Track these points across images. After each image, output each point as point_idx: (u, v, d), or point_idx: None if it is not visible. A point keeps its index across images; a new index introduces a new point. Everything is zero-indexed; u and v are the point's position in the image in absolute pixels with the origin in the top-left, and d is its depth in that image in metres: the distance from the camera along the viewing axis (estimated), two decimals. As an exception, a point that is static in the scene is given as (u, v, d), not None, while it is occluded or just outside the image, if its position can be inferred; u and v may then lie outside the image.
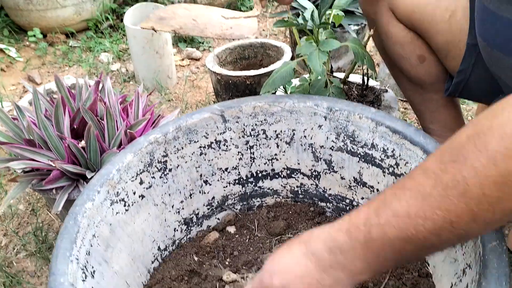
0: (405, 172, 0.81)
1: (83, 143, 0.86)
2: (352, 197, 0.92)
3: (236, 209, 0.98)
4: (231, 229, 0.97)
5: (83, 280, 0.65)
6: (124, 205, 0.79)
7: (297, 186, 0.97)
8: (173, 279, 0.84)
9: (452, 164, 0.46)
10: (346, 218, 0.54)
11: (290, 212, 0.98)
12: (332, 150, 0.90)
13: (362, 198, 0.91)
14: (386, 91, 1.19)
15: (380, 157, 0.84)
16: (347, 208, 0.93)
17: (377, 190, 0.87)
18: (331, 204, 0.95)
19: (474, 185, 0.44)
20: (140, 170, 0.82)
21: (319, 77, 0.99)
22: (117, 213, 0.77)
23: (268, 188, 0.98)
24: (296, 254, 0.56)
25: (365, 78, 1.13)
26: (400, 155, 0.81)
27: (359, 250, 0.51)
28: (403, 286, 0.78)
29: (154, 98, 1.63)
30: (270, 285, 0.56)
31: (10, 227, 1.12)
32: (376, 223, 0.50)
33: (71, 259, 0.64)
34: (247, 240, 0.94)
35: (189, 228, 0.94)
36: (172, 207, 0.89)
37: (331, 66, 1.16)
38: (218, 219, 0.97)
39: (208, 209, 0.95)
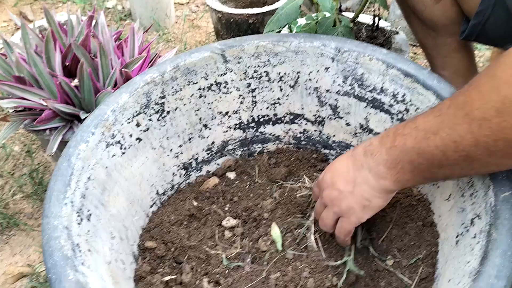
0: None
1: (76, 81, 0.82)
2: (357, 144, 0.89)
3: (237, 154, 0.95)
4: (231, 175, 0.94)
5: (79, 224, 0.63)
6: (121, 148, 0.76)
7: (300, 132, 0.94)
8: (172, 224, 0.83)
9: (467, 87, 0.49)
10: (389, 128, 0.62)
11: (292, 159, 0.95)
12: (339, 94, 0.85)
13: (368, 145, 0.87)
14: (397, 33, 1.13)
15: (389, 102, 0.80)
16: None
17: (384, 137, 0.84)
18: (334, 152, 0.92)
19: (477, 108, 0.46)
20: (136, 111, 0.78)
21: (327, 15, 0.92)
22: (113, 155, 0.74)
23: (270, 134, 0.95)
24: (344, 156, 0.66)
25: (376, 19, 1.07)
26: (411, 100, 0.76)
27: (384, 155, 0.58)
28: (406, 235, 0.76)
29: (151, 38, 1.56)
30: (324, 179, 0.68)
31: (6, 168, 1.09)
32: (401, 133, 0.56)
33: (65, 202, 0.62)
34: (247, 186, 0.92)
35: (188, 173, 0.91)
36: (171, 151, 0.86)
37: (340, 4, 1.09)
38: (218, 164, 0.95)
39: (208, 154, 0.92)
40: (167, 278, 0.76)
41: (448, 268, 0.66)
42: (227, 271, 0.76)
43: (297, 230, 0.80)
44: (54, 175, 0.65)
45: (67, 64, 0.86)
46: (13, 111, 0.86)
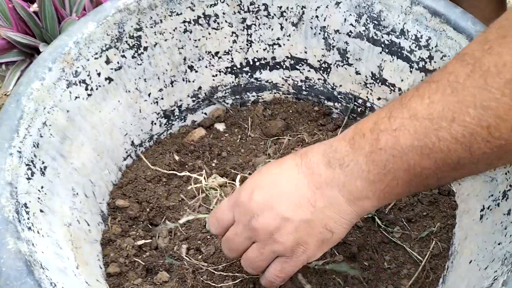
0: (439, 68, 0.65)
1: (35, 6, 0.67)
2: (367, 96, 0.77)
3: (227, 103, 0.83)
4: (220, 127, 0.82)
5: (29, 178, 0.52)
6: (86, 89, 0.63)
7: (301, 80, 0.81)
8: (149, 180, 0.72)
9: (501, 40, 0.33)
10: (353, 125, 0.43)
11: (291, 111, 0.83)
12: (349, 36, 0.72)
13: (379, 99, 0.75)
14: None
15: (410, 47, 0.67)
16: (359, 109, 0.78)
17: (399, 89, 0.72)
18: (339, 104, 0.80)
19: None
20: (106, 45, 0.64)
21: None
22: (76, 97, 0.62)
23: (267, 81, 0.82)
24: (287, 166, 0.45)
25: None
26: (436, 46, 0.64)
27: (361, 164, 0.40)
28: (418, 204, 0.66)
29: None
30: (248, 201, 0.45)
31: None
32: (387, 128, 0.38)
33: (11, 152, 0.50)
34: (238, 140, 0.81)
35: (170, 122, 0.79)
36: (149, 95, 0.74)
37: None
38: (205, 114, 0.82)
39: (194, 101, 0.80)
40: (140, 242, 0.66)
41: (468, 246, 0.57)
42: (209, 237, 0.66)
43: None
44: (-1, 118, 0.53)
45: (24, -15, 0.71)
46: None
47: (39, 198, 0.52)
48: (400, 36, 0.67)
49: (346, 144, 0.41)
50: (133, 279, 0.61)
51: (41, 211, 0.52)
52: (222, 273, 0.60)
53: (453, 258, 0.59)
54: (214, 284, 0.59)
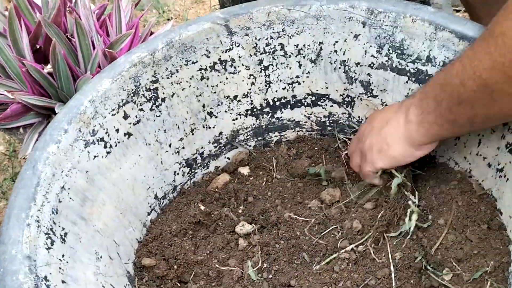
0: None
1: (49, 67, 0.67)
2: (396, 128, 0.72)
3: (250, 146, 0.80)
4: (244, 170, 0.79)
5: (48, 248, 0.49)
6: (105, 147, 0.61)
7: (324, 116, 0.78)
8: (175, 234, 0.69)
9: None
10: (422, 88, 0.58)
11: (316, 148, 0.80)
12: (372, 68, 0.69)
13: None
14: (435, -7, 0.95)
15: (438, 74, 0.63)
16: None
17: (431, 118, 0.67)
18: (367, 138, 0.76)
19: (499, 23, 0.43)
20: (122, 100, 0.63)
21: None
22: (95, 156, 0.60)
23: (289, 120, 0.79)
24: (388, 108, 0.64)
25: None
26: (467, 71, 0.60)
27: (417, 94, 0.56)
28: (467, 241, 0.60)
29: (150, 17, 1.40)
30: (369, 117, 0.67)
31: (-12, 172, 0.97)
32: (439, 71, 0.55)
33: (28, 222, 0.48)
34: (263, 183, 0.77)
35: (193, 170, 0.76)
36: (170, 146, 0.71)
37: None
38: (228, 158, 0.80)
39: (215, 147, 0.77)
40: (170, 303, 0.62)
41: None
42: (242, 291, 0.62)
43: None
44: (15, 187, 0.51)
45: (38, 47, 0.71)
46: (-18, 107, 0.72)
47: (60, 268, 0.49)
48: (426, 64, 0.64)
49: (417, 98, 0.56)
50: None
51: (63, 282, 0.49)
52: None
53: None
54: None
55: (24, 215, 0.48)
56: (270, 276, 0.64)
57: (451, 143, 0.67)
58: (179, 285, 0.65)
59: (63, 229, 0.53)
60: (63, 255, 0.51)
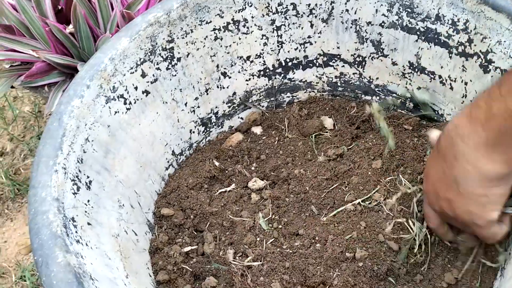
0: (480, 51, 0.62)
1: (70, 27, 0.70)
2: (406, 87, 0.74)
3: (262, 106, 0.83)
4: (257, 130, 0.82)
5: (75, 193, 0.53)
6: (125, 103, 0.65)
7: (335, 77, 0.80)
8: (191, 187, 0.73)
9: None
10: (472, 102, 0.47)
11: (327, 109, 0.82)
12: (383, 27, 0.70)
13: (419, 88, 0.73)
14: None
15: (447, 32, 0.64)
16: (399, 101, 0.76)
17: (439, 76, 0.69)
18: (378, 98, 0.78)
19: None
20: (140, 59, 0.66)
21: None
22: (116, 112, 0.64)
23: (300, 80, 0.81)
24: (432, 157, 0.53)
25: None
26: (475, 28, 0.61)
27: (480, 131, 0.44)
28: None
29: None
30: (428, 194, 0.56)
31: (15, 131, 1.02)
32: (497, 96, 0.42)
33: (56, 169, 0.52)
34: (276, 142, 0.80)
35: (208, 129, 0.80)
36: (186, 105, 0.75)
37: None
38: (242, 118, 0.83)
39: (229, 107, 0.80)
40: (187, 248, 0.67)
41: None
42: (256, 241, 0.66)
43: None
44: (43, 138, 0.55)
45: (60, 8, 0.74)
46: (9, 66, 0.76)
47: (86, 212, 0.54)
48: (435, 22, 0.65)
49: (465, 119, 0.46)
50: (182, 285, 0.62)
51: (89, 224, 0.53)
52: (269, 275, 0.60)
53: (511, 249, 0.55)
54: (261, 287, 0.59)
55: (52, 162, 0.52)
56: (280, 227, 0.68)
57: None
58: (195, 233, 0.69)
59: (88, 177, 0.57)
60: (88, 201, 0.55)
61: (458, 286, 0.58)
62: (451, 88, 0.68)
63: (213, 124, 0.80)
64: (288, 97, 0.83)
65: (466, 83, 0.65)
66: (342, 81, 0.80)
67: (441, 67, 0.67)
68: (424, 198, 0.59)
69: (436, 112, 0.72)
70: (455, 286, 0.58)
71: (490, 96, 0.43)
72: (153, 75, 0.68)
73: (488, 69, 0.61)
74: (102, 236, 0.55)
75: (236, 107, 0.81)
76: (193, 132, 0.78)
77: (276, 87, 0.81)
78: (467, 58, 0.64)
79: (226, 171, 0.76)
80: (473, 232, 0.53)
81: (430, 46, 0.67)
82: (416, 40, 0.68)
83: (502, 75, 0.47)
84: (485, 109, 0.43)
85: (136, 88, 0.66)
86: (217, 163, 0.77)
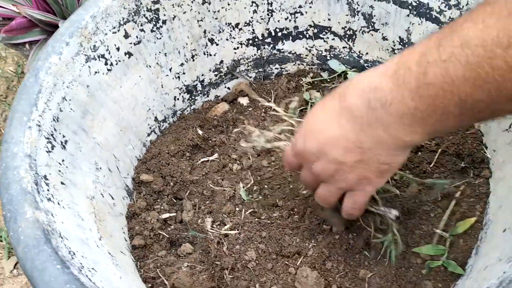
0: None
1: (54, -16, 0.68)
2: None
3: (250, 77, 0.82)
4: (243, 101, 0.81)
5: (49, 151, 0.52)
6: (106, 64, 0.63)
7: (325, 50, 0.78)
8: (172, 155, 0.72)
9: None
10: (396, 57, 0.39)
11: (316, 83, 0.81)
12: (374, 0, 0.68)
13: (408, 65, 0.72)
14: None
15: (439, 8, 0.63)
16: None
17: (429, 53, 0.68)
18: (366, 73, 0.77)
19: None
20: (123, 19, 0.64)
21: None
22: (96, 72, 0.62)
23: (290, 52, 0.80)
24: (330, 111, 0.45)
25: None
26: (467, 4, 0.59)
27: (407, 101, 0.37)
28: (448, 174, 0.62)
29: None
30: (303, 149, 0.48)
31: (-2, 92, 1.00)
32: (436, 60, 0.34)
33: (30, 125, 0.51)
34: (262, 114, 0.79)
35: (193, 97, 0.78)
36: (170, 70, 0.73)
37: None
38: (228, 88, 0.81)
39: (216, 75, 0.79)
40: (165, 215, 0.66)
41: (502, 215, 0.53)
42: (235, 210, 0.66)
43: None
44: (18, 93, 0.54)
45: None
46: (-10, 23, 0.74)
47: (59, 171, 0.53)
48: (428, -4, 0.63)
49: (388, 81, 0.38)
50: (157, 251, 0.62)
51: (62, 183, 0.52)
52: (245, 244, 0.60)
53: (488, 228, 0.56)
54: (237, 255, 0.58)
55: (26, 118, 0.51)
56: (260, 197, 0.67)
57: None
58: (174, 201, 0.68)
59: (64, 136, 0.56)
60: (63, 160, 0.54)
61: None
62: (440, 65, 0.67)
63: (199, 92, 0.79)
64: (277, 68, 0.82)
65: (455, 61, 0.64)
66: (332, 55, 0.78)
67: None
68: (291, 151, 0.52)
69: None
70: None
71: (425, 57, 0.35)
72: (137, 37, 0.66)
73: (478, 47, 0.60)
74: (76, 197, 0.54)
75: (223, 76, 0.80)
76: (178, 99, 0.76)
77: (265, 58, 0.80)
78: (458, 35, 0.62)
79: (210, 141, 0.75)
80: (345, 196, 0.50)
81: (421, 21, 0.65)
82: (408, 15, 0.67)
83: (441, 28, 0.38)
84: (418, 74, 0.36)
85: (118, 49, 0.64)
86: (200, 132, 0.75)
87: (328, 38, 0.76)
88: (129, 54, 0.66)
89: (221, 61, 0.78)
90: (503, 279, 0.37)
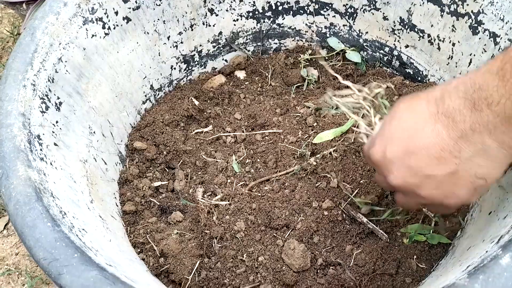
0: (472, 11, 0.60)
1: None
2: (394, 44, 0.73)
3: (248, 50, 0.81)
4: (240, 74, 0.81)
5: (43, 112, 0.52)
6: (103, 27, 0.63)
7: (325, 27, 0.78)
8: (167, 124, 0.72)
9: None
10: (499, 55, 0.35)
11: (314, 60, 0.80)
12: (378, -22, 0.68)
13: (407, 47, 0.71)
14: None
15: (442, -11, 0.62)
16: (385, 58, 0.75)
17: (428, 35, 0.67)
18: (365, 53, 0.77)
19: None
20: (123, -17, 0.63)
21: None
22: (93, 35, 0.61)
23: (289, 27, 0.79)
24: (422, 116, 0.39)
25: None
26: (471, -14, 0.59)
27: None
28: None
29: None
30: (382, 158, 0.41)
31: (-8, 52, 0.98)
32: None
33: (24, 84, 0.51)
34: (258, 89, 0.79)
35: (190, 67, 0.78)
36: (168, 38, 0.72)
37: None
38: (226, 60, 0.81)
39: (214, 47, 0.78)
40: (157, 183, 0.67)
41: (489, 198, 0.54)
42: (226, 182, 0.66)
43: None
44: (14, 51, 0.53)
45: None
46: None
47: (53, 132, 0.53)
48: (432, -24, 0.63)
49: (494, 78, 0.34)
50: (148, 217, 0.62)
51: (55, 144, 0.52)
52: (235, 215, 0.60)
53: (473, 211, 0.57)
54: (226, 225, 0.59)
55: (21, 76, 0.51)
56: (252, 171, 0.67)
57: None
58: (167, 170, 0.69)
59: (58, 98, 0.55)
60: (57, 121, 0.54)
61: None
62: (439, 48, 0.67)
63: (196, 63, 0.78)
64: (276, 43, 0.81)
65: (453, 44, 0.64)
66: (332, 32, 0.78)
67: (431, 26, 0.66)
68: (365, 152, 0.47)
69: (421, 72, 0.71)
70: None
71: None
72: (136, 2, 0.65)
73: (477, 31, 0.60)
74: (69, 159, 0.54)
75: (221, 48, 0.79)
76: (174, 68, 0.76)
77: (264, 32, 0.79)
78: (458, 18, 0.62)
79: (205, 112, 0.75)
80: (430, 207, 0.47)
81: (423, 3, 0.65)
82: (410, -5, 0.66)
83: None
84: None
85: (116, 13, 0.64)
86: (196, 103, 0.75)
87: (329, 14, 0.76)
88: (128, 19, 0.65)
89: (220, 33, 0.77)
90: (485, 257, 0.38)
